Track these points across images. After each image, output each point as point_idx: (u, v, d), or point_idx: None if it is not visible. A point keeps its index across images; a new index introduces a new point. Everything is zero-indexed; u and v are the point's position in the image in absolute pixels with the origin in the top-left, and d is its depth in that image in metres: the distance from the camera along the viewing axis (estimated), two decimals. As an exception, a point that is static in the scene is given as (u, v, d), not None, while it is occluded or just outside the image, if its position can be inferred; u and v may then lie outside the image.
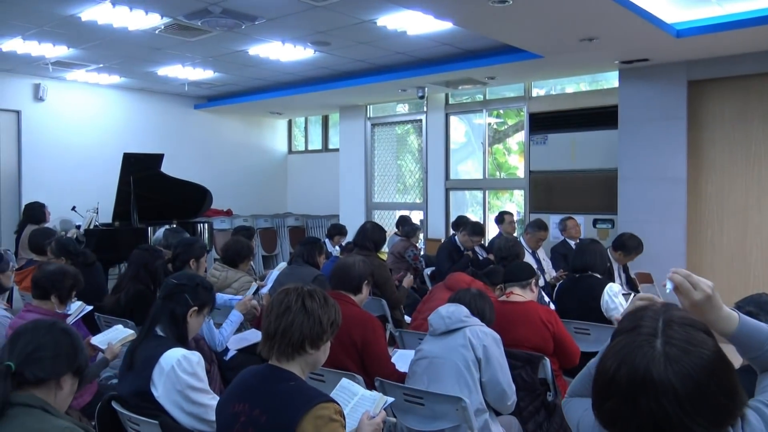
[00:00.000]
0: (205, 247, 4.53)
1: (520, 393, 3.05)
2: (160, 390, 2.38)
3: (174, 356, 2.42)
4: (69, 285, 3.41)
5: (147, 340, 2.55)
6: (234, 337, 3.99)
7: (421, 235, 9.87)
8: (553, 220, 8.05)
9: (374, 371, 3.14)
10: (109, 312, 4.15)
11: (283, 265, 4.45)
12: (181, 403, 2.39)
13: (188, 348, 2.58)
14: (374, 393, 2.30)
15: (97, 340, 3.30)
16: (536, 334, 3.46)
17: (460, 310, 2.99)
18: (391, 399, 2.29)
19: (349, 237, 7.09)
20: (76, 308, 3.56)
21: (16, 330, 1.97)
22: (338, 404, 1.93)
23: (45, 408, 1.82)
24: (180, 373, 2.39)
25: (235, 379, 2.11)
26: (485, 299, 3.17)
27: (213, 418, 2.31)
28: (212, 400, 2.42)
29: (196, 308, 2.64)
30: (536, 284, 3.79)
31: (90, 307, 3.73)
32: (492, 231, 8.03)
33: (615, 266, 5.73)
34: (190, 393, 2.40)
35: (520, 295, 3.66)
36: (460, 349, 2.86)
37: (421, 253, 8.90)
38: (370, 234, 5.20)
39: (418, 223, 9.93)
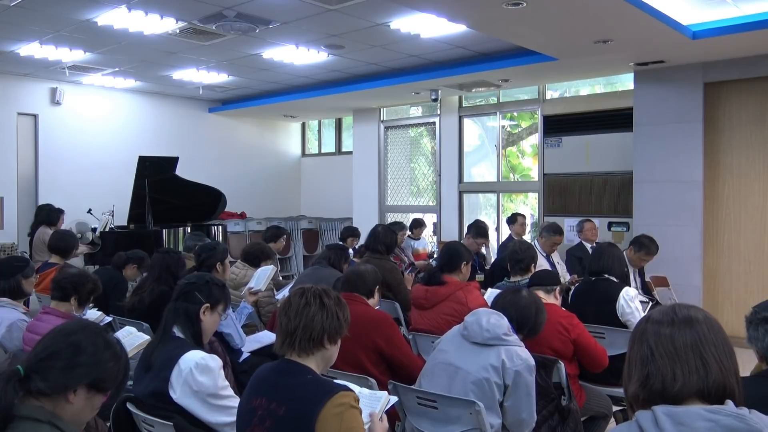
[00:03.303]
0: (227, 250, 4.57)
1: (533, 397, 3.02)
2: (178, 392, 2.39)
3: (192, 359, 2.43)
4: (89, 289, 3.44)
5: (165, 342, 2.56)
6: (247, 338, 4.00)
7: (434, 238, 9.86)
8: (567, 223, 7.99)
9: (405, 371, 3.16)
10: (129, 312, 4.16)
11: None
12: (201, 406, 2.40)
13: (204, 349, 2.60)
14: (375, 392, 2.32)
15: None
16: (555, 336, 3.45)
17: (502, 325, 2.81)
18: (395, 399, 2.32)
19: (362, 240, 7.08)
20: (95, 318, 3.58)
21: (49, 332, 1.83)
22: (355, 393, 1.99)
23: (53, 422, 1.62)
24: (198, 377, 2.39)
25: (252, 377, 2.15)
26: (541, 310, 3.07)
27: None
28: (235, 400, 2.43)
29: (208, 305, 2.66)
30: (560, 293, 3.76)
31: (109, 319, 3.76)
32: (505, 233, 7.99)
33: (630, 270, 5.67)
34: (210, 397, 2.40)
35: (543, 298, 3.65)
36: (490, 370, 2.72)
37: (434, 255, 8.89)
38: (382, 237, 5.20)
39: (431, 225, 9.92)
